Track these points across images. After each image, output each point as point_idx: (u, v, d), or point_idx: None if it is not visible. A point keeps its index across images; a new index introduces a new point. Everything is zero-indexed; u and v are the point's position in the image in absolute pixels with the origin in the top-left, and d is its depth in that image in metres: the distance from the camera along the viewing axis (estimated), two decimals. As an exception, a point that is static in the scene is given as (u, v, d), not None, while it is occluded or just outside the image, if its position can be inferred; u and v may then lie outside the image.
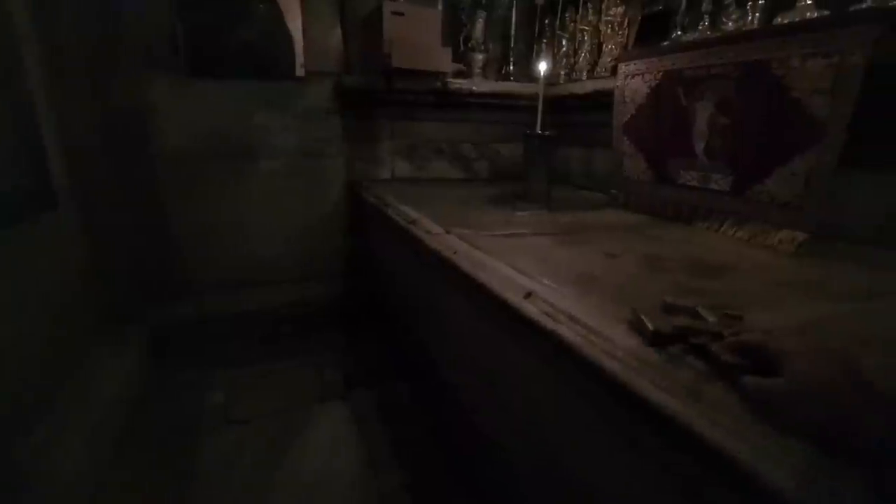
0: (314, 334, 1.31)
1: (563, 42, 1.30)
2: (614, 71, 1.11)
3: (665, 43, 0.96)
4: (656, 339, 0.37)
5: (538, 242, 0.74)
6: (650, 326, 0.37)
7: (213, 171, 1.19)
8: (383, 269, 1.18)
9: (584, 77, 1.23)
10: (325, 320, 1.34)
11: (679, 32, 0.94)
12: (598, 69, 1.19)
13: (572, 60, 1.29)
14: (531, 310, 0.46)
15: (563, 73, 1.31)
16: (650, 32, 1.06)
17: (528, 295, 0.49)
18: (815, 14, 0.75)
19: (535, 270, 0.58)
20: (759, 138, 0.76)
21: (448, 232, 0.77)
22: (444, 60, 1.18)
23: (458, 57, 1.31)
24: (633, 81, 1.00)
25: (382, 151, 1.32)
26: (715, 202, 0.86)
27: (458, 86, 1.26)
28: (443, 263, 0.66)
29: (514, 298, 0.49)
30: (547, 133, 1.08)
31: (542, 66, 1.06)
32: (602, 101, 1.14)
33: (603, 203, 1.11)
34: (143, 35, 1.07)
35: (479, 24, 1.33)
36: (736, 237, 0.80)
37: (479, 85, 1.29)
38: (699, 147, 0.87)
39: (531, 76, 1.41)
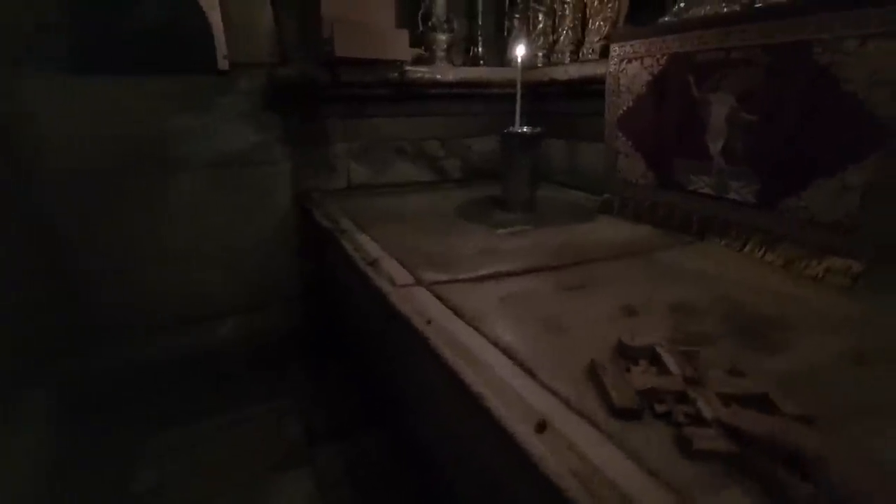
0: (269, 373, 1.13)
1: (540, 17, 1.11)
2: (604, 53, 0.94)
3: (667, 18, 0.80)
4: (620, 413, 0.33)
5: (533, 290, 0.58)
6: (614, 401, 0.34)
7: (122, 189, 0.96)
8: (345, 300, 1.00)
9: (567, 60, 1.05)
10: (281, 355, 1.16)
11: (682, 4, 0.78)
12: (584, 50, 1.01)
13: (551, 39, 1.11)
14: (550, 466, 0.30)
15: (540, 54, 1.13)
16: (646, 4, 0.89)
17: (542, 427, 0.33)
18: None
19: (540, 355, 0.42)
20: (795, 141, 0.62)
21: (418, 281, 0.60)
22: (400, 46, 0.98)
23: (416, 39, 1.11)
24: (629, 67, 0.83)
25: (334, 155, 1.11)
26: (734, 215, 0.71)
27: (419, 75, 1.06)
28: (414, 334, 0.49)
29: (522, 430, 0.33)
30: (530, 131, 0.90)
31: (520, 51, 0.88)
32: (589, 88, 0.97)
33: (594, 209, 0.96)
34: (8, 23, 0.82)
35: (440, -1, 1.12)
36: (766, 261, 0.66)
37: (443, 73, 1.09)
38: (715, 148, 0.72)
39: (504, 59, 1.22)
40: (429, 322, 0.49)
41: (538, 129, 0.92)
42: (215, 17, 0.94)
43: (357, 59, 0.94)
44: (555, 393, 0.36)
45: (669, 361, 0.37)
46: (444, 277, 0.61)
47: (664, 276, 0.62)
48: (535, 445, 0.32)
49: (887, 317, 0.49)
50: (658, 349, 0.39)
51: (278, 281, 1.15)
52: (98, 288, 0.98)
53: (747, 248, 0.70)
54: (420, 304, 0.53)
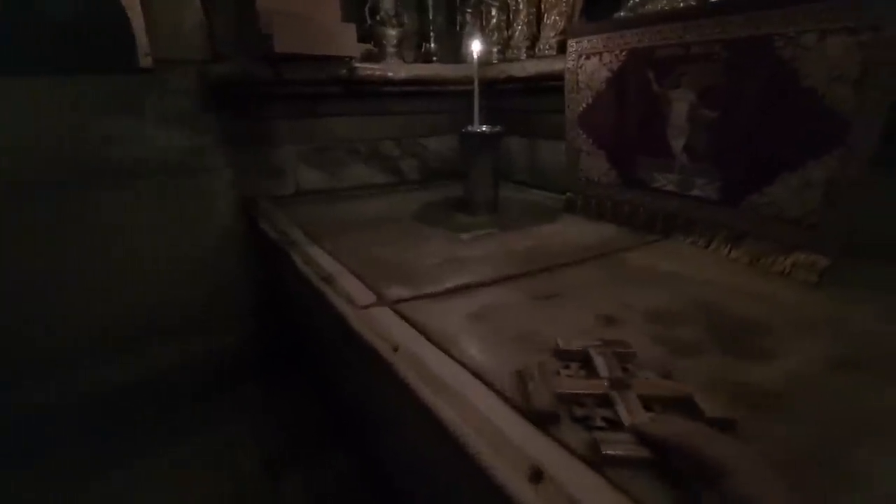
0: (221, 398, 1.04)
1: (493, 11, 1.07)
2: (561, 48, 0.92)
3: (623, 13, 0.78)
4: (538, 419, 0.33)
5: (505, 302, 0.54)
6: (534, 403, 0.33)
7: (35, 205, 0.84)
8: (301, 316, 0.92)
9: (524, 56, 1.02)
10: (233, 377, 1.07)
11: (638, -1, 0.76)
12: (540, 45, 0.98)
13: (505, 34, 1.08)
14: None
15: (495, 50, 1.09)
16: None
17: (538, 477, 0.29)
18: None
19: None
20: (757, 137, 0.61)
21: (380, 299, 0.54)
22: (347, 41, 0.91)
23: (365, 33, 1.04)
24: (588, 63, 0.81)
25: (281, 159, 1.03)
26: (699, 212, 0.71)
27: (369, 72, 1.00)
28: (380, 362, 0.44)
29: (513, 481, 0.29)
30: (489, 130, 0.87)
31: (475, 46, 0.84)
32: (547, 84, 0.94)
33: (557, 209, 0.93)
34: None
35: (389, -9, 1.06)
36: (732, 258, 0.66)
37: (395, 70, 1.03)
38: (677, 145, 0.71)
39: (458, 55, 1.18)
40: (396, 349, 0.44)
41: (498, 128, 0.89)
42: (134, 9, 0.83)
43: (300, 55, 0.86)
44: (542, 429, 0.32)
45: (599, 364, 0.37)
46: (408, 293, 0.56)
47: (636, 280, 0.60)
48: (531, 499, 0.27)
49: (859, 314, 0.49)
50: (591, 351, 0.38)
51: (226, 297, 1.05)
52: (7, 314, 0.86)
53: (713, 246, 0.69)
54: (384, 328, 0.47)
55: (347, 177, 1.10)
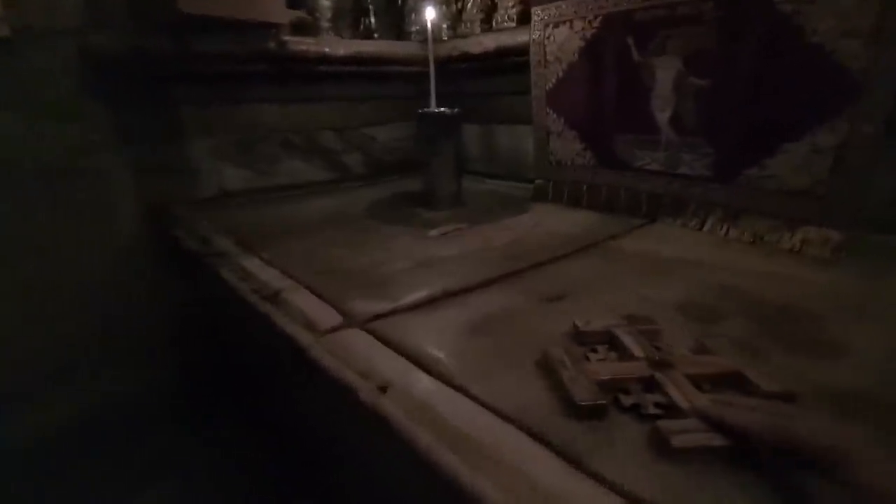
0: (139, 451, 0.84)
1: (440, -18, 0.97)
2: (522, 19, 0.83)
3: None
4: (583, 413, 0.27)
5: (508, 308, 0.44)
6: (578, 396, 0.28)
7: None
8: (236, 342, 0.76)
9: (478, 29, 0.93)
10: (152, 423, 0.87)
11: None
12: (497, 17, 0.89)
13: (455, 8, 0.98)
14: None
15: (444, 26, 0.99)
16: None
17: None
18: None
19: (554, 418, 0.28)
20: (755, 104, 0.56)
21: (347, 318, 0.41)
22: (272, 4, 0.76)
23: (294, 6, 0.89)
24: (557, 32, 0.73)
25: (197, 156, 0.85)
26: (689, 191, 0.65)
27: (302, 48, 0.85)
28: (363, 409, 0.31)
29: None
30: (450, 111, 0.76)
31: (430, 14, 0.73)
32: (508, 61, 0.85)
33: (526, 198, 0.85)
34: None
35: (319, -43, 0.92)
36: (731, 239, 0.60)
37: (333, 46, 0.89)
38: (662, 118, 0.65)
39: (400, 32, 1.06)
40: (384, 390, 0.31)
41: (457, 110, 0.78)
42: (-25, -43, 0.63)
43: (212, 18, 0.69)
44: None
45: (630, 343, 0.33)
46: (382, 307, 0.43)
47: (643, 270, 0.52)
48: None
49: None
50: (615, 331, 0.35)
51: (135, 326, 0.85)
52: None
53: (707, 226, 0.63)
54: (362, 359, 0.35)
55: (281, 174, 0.94)
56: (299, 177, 0.96)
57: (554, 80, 0.75)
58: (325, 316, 0.42)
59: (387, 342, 0.37)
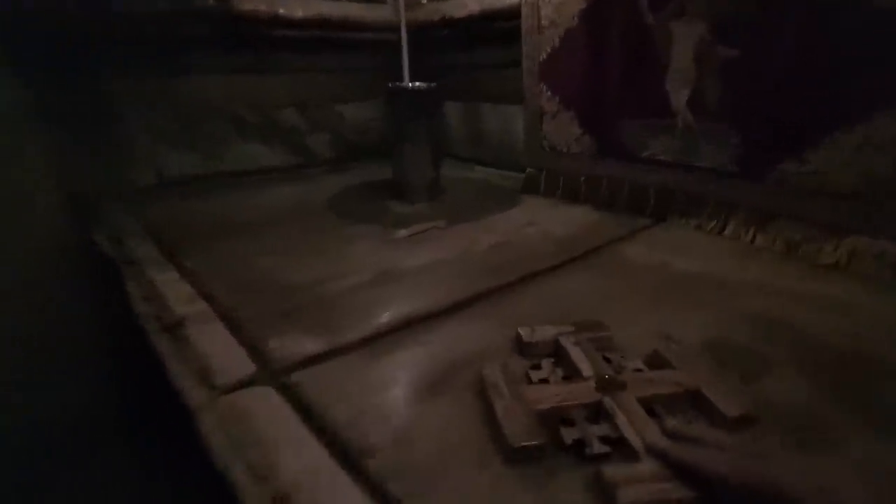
0: (61, 475, 0.73)
1: (416, -66, 0.83)
2: (512, -23, 0.70)
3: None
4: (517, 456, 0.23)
5: (479, 347, 0.33)
6: (511, 438, 0.23)
7: None
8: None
9: (462, -10, 0.80)
10: (78, 445, 0.76)
11: None
12: (484, -25, 0.76)
13: (436, -36, 0.84)
14: None
15: (423, -14, 0.85)
16: None
17: None
18: None
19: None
20: (797, 82, 0.45)
21: (260, 370, 0.30)
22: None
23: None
24: (553, -9, 0.61)
25: (130, 135, 0.72)
26: (706, 188, 0.54)
27: (251, 6, 0.71)
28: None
29: None
30: (425, 86, 0.64)
31: (400, -35, 0.60)
32: (496, 27, 0.73)
33: (515, 190, 0.74)
34: None
35: None
36: (758, 247, 0.50)
37: (290, 6, 0.75)
38: (678, 98, 0.54)
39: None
40: (281, 503, 0.21)
41: (434, 85, 0.66)
42: None
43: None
44: None
45: (577, 357, 0.30)
46: (315, 347, 0.33)
47: (657, 291, 0.41)
48: None
49: None
50: (562, 341, 0.31)
51: (59, 337, 0.73)
52: None
53: (729, 230, 0.53)
54: (262, 441, 0.24)
55: (233, 158, 0.81)
56: (255, 161, 0.83)
57: (549, 50, 0.63)
58: (232, 362, 0.31)
59: (307, 411, 0.27)
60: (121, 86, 0.70)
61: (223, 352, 0.32)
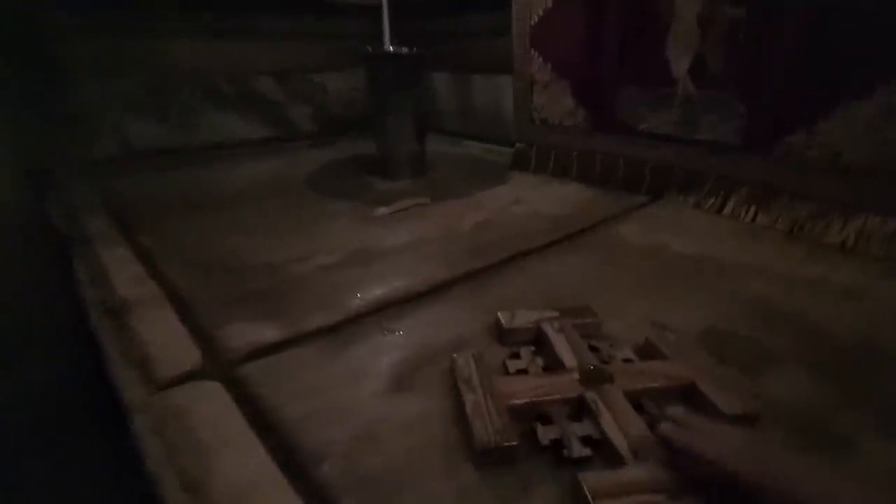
0: (33, 463, 0.71)
1: None
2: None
3: None
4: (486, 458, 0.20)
5: (455, 335, 0.30)
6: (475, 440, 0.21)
7: None
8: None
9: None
10: (54, 434, 0.73)
11: None
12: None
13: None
14: None
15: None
16: None
17: None
18: None
19: None
20: (812, 44, 0.41)
21: (207, 361, 0.27)
22: None
23: None
24: (547, -55, 0.56)
25: (92, 102, 0.67)
26: (706, 163, 0.51)
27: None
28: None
29: None
30: (408, 51, 0.59)
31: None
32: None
33: (504, 165, 0.70)
34: None
35: None
36: (759, 226, 0.47)
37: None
38: (680, 66, 0.50)
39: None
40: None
41: (418, 50, 0.62)
42: None
43: None
44: None
45: (560, 346, 0.27)
46: (269, 335, 0.29)
47: (653, 274, 0.38)
48: None
49: None
50: (545, 327, 0.28)
51: (17, 319, 0.70)
52: None
53: (728, 209, 0.50)
54: (202, 447, 0.21)
55: (207, 129, 0.76)
56: (231, 133, 0.79)
57: (541, 12, 0.59)
58: (176, 352, 0.27)
59: (255, 409, 0.23)
60: (75, 50, 0.65)
61: (167, 340, 0.29)
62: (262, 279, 0.37)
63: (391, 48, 0.60)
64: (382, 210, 0.54)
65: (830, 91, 0.41)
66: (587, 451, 0.21)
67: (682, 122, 0.51)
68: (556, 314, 0.30)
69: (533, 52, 0.62)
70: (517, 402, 0.23)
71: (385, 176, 0.66)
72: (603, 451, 0.21)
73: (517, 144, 0.69)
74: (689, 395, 0.24)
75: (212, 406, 0.23)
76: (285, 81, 0.82)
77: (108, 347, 0.28)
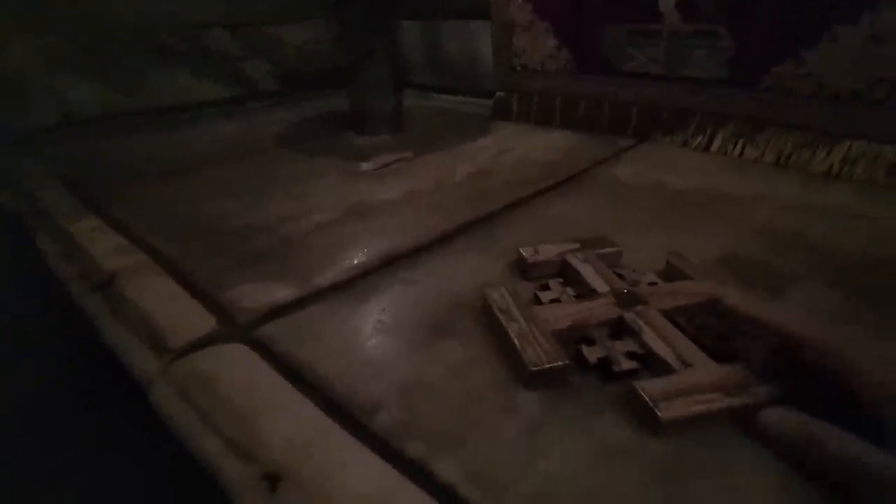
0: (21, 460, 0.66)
1: None
2: None
3: None
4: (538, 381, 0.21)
5: (478, 279, 0.29)
6: (528, 364, 0.21)
7: None
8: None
9: None
10: (40, 425, 0.69)
11: None
12: None
13: None
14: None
15: None
16: None
17: None
18: None
19: None
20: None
21: (222, 324, 0.25)
22: None
23: None
24: None
25: (17, 64, 0.59)
26: (693, 100, 0.51)
27: None
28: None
29: None
30: (381, -6, 0.55)
31: None
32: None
33: (485, 116, 0.68)
34: None
35: None
36: (748, 160, 0.48)
37: None
38: (667, 0, 0.49)
39: None
40: (274, 484, 0.17)
41: (392, -7, 0.57)
42: None
43: None
44: None
45: (589, 274, 0.27)
46: (283, 294, 0.27)
47: (657, 209, 0.39)
48: None
49: None
50: (569, 259, 0.29)
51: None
52: None
53: (715, 145, 0.50)
54: (239, 412, 0.19)
55: (156, 91, 0.69)
56: (184, 95, 0.72)
57: (520, -52, 0.56)
58: (186, 319, 0.25)
59: (288, 369, 0.22)
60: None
61: (172, 307, 0.26)
62: (258, 240, 0.35)
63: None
64: (367, 165, 0.51)
65: (817, 19, 0.41)
66: (634, 364, 0.21)
67: (670, 59, 0.51)
68: (577, 246, 0.30)
69: (512, -8, 0.59)
70: (559, 327, 0.23)
71: (361, 132, 0.62)
72: (649, 365, 0.21)
73: (497, 93, 0.67)
74: (720, 311, 0.24)
75: (242, 368, 0.21)
76: (240, 33, 0.75)
77: (103, 322, 0.25)
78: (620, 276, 0.28)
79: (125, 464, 0.39)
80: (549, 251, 0.29)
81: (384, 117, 0.62)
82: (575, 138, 0.58)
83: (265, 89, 0.81)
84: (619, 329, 0.24)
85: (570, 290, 0.27)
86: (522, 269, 0.30)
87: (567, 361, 0.21)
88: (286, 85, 0.83)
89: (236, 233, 0.36)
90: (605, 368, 0.21)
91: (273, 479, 0.17)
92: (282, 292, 0.28)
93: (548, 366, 0.20)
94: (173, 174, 0.49)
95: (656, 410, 0.18)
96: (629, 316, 0.24)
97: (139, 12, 0.66)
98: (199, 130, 0.65)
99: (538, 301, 0.26)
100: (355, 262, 0.31)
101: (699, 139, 0.51)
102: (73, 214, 0.39)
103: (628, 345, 0.22)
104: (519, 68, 0.63)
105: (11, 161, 0.53)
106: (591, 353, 0.22)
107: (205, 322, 0.25)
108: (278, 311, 0.26)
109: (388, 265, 0.31)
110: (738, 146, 0.49)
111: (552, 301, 0.26)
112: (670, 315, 0.24)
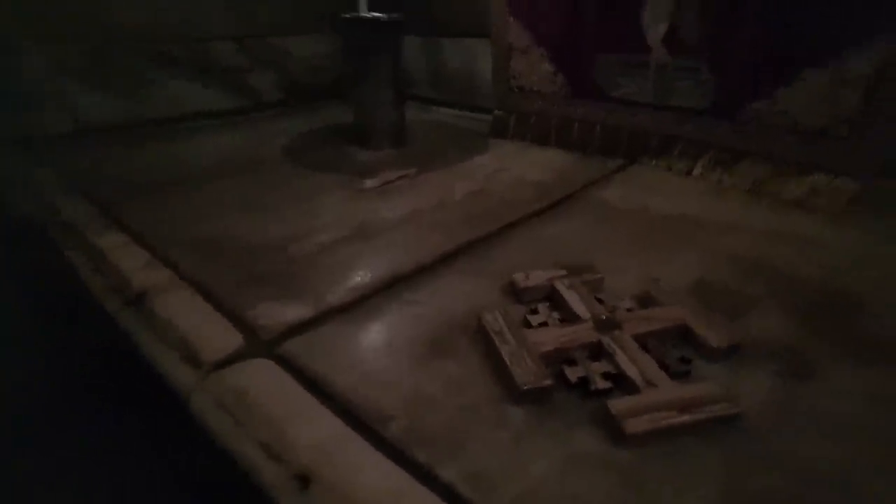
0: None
1: None
2: None
3: None
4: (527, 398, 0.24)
5: (472, 302, 0.32)
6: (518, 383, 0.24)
7: None
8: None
9: None
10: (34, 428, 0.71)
11: None
12: None
13: None
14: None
15: None
16: None
17: None
18: None
19: None
20: (776, 18, 0.44)
21: (249, 341, 0.28)
22: None
23: None
24: None
25: (29, 71, 0.61)
26: (678, 128, 0.55)
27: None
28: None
29: None
30: (386, 16, 0.58)
31: None
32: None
33: (483, 133, 0.71)
34: None
35: None
36: (725, 186, 0.51)
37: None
38: (655, 34, 0.52)
39: None
40: (306, 483, 0.20)
41: (398, 15, 0.60)
42: None
43: None
44: None
45: (573, 300, 0.30)
46: (300, 314, 0.30)
47: (640, 234, 0.42)
48: None
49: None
50: (556, 285, 0.32)
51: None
52: None
53: (697, 171, 0.54)
54: (269, 418, 0.22)
55: (162, 100, 0.71)
56: (187, 104, 0.74)
57: (519, -22, 0.59)
58: (217, 334, 0.28)
59: (310, 383, 0.25)
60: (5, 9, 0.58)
61: (202, 324, 0.29)
62: (270, 258, 0.37)
63: (368, 13, 0.58)
64: (370, 182, 0.54)
65: (790, 62, 0.44)
66: (608, 384, 0.25)
67: (657, 89, 0.54)
68: (564, 272, 0.33)
69: (511, 17, 0.62)
70: (546, 349, 0.26)
71: (364, 146, 0.65)
72: (620, 384, 0.25)
73: (496, 112, 0.70)
74: (685, 334, 0.28)
75: (271, 381, 0.25)
76: (246, 45, 0.78)
77: (139, 335, 0.28)
78: (601, 301, 0.31)
79: (125, 464, 0.42)
80: (539, 276, 0.33)
81: (387, 133, 0.65)
82: (569, 158, 0.61)
83: (269, 100, 0.83)
84: (597, 351, 0.27)
85: (555, 314, 0.31)
86: (515, 292, 0.33)
87: (551, 382, 0.24)
88: (291, 96, 0.85)
89: (247, 250, 0.38)
90: (584, 387, 0.25)
91: (304, 480, 0.20)
92: (298, 311, 0.30)
93: (535, 385, 0.24)
94: (182, 186, 0.52)
95: (623, 425, 0.22)
96: (606, 340, 0.27)
97: (135, 18, 0.68)
98: (206, 140, 0.68)
99: (528, 324, 0.30)
100: (362, 282, 0.34)
101: (680, 165, 0.55)
102: (96, 227, 0.41)
103: (604, 366, 0.26)
104: (517, 90, 0.66)
105: (27, 170, 0.56)
106: (573, 373, 0.25)
107: (233, 338, 0.28)
108: (296, 329, 0.29)
109: (392, 286, 0.34)
110: (717, 173, 0.52)
111: (540, 325, 0.30)
112: (642, 339, 0.27)
